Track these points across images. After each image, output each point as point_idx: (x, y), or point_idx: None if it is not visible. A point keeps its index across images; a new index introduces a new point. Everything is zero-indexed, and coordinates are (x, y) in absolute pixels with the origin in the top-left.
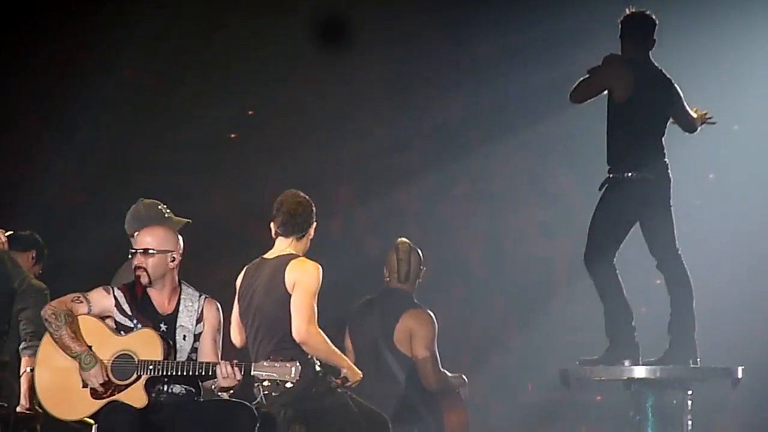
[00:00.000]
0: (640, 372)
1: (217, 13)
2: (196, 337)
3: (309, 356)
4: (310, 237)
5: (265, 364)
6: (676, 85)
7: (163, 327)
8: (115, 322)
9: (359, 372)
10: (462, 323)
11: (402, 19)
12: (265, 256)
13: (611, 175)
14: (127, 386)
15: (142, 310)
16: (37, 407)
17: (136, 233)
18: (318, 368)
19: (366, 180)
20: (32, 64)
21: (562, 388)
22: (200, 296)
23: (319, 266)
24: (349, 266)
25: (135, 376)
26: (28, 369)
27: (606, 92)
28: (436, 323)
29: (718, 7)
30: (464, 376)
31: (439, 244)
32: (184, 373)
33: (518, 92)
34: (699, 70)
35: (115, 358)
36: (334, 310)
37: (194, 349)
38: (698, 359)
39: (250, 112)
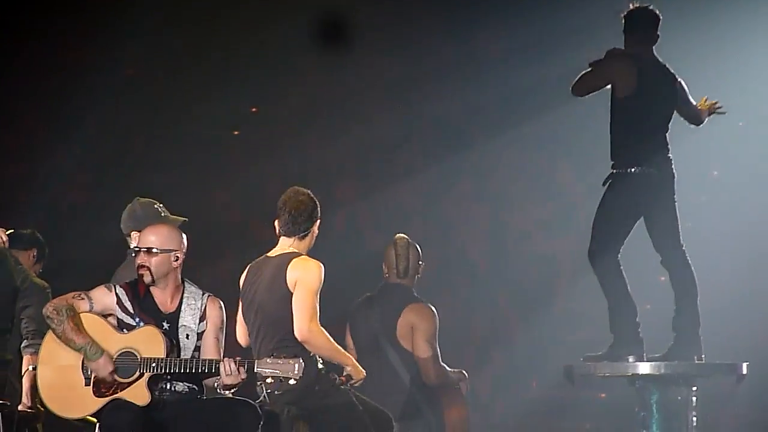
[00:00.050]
0: (644, 368)
1: (219, 11)
2: (199, 336)
3: (311, 354)
4: (315, 234)
5: (268, 361)
6: (680, 79)
7: (165, 325)
8: (118, 320)
9: (363, 370)
10: (465, 320)
11: (404, 16)
12: (268, 254)
13: (614, 171)
14: (129, 384)
15: (145, 308)
16: (39, 406)
17: (132, 232)
18: (321, 365)
19: (368, 176)
20: (33, 63)
21: (567, 384)
22: (203, 294)
23: (321, 265)
24: (352, 263)
25: (138, 373)
26: (30, 367)
27: (608, 87)
28: (437, 317)
29: (723, 3)
30: (464, 372)
31: (442, 241)
32: (187, 371)
33: (521, 88)
34: (703, 66)
35: (118, 355)
36: (336, 308)
37: (197, 348)
38: (703, 355)
39: (253, 109)
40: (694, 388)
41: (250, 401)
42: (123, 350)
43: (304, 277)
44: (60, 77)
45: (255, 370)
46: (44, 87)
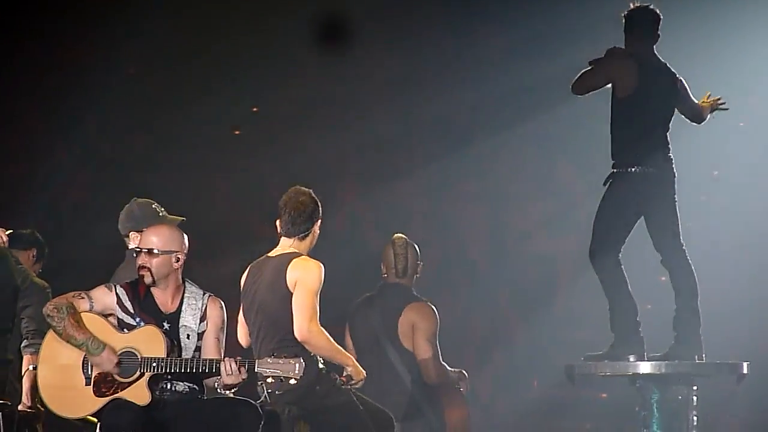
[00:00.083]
0: (645, 368)
1: (220, 10)
2: (200, 336)
3: (312, 354)
4: (316, 234)
5: (268, 360)
6: (681, 78)
7: (166, 326)
8: (118, 319)
9: (363, 371)
10: (466, 319)
11: (405, 15)
12: (269, 254)
13: (615, 170)
14: (130, 383)
15: (145, 308)
16: (39, 405)
17: (131, 232)
18: (322, 365)
19: (369, 176)
20: (34, 62)
21: (567, 384)
22: (204, 294)
23: (321, 265)
24: (352, 263)
25: (138, 373)
26: (31, 367)
27: (608, 85)
28: (438, 316)
29: (723, 3)
30: (464, 372)
31: (442, 240)
32: (188, 370)
33: (522, 87)
34: (704, 66)
35: (119, 355)
36: (336, 308)
37: (198, 348)
38: (703, 355)
39: (254, 109)
40: (695, 388)
41: (251, 401)
42: (123, 350)
43: (304, 278)
44: (60, 76)
45: (255, 370)
46: (44, 86)
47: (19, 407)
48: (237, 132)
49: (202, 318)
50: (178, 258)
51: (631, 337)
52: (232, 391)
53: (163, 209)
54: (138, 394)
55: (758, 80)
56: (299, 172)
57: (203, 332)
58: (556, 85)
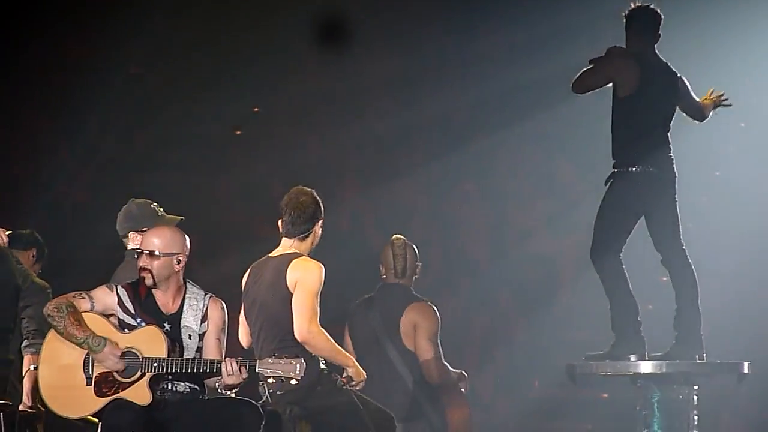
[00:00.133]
0: (646, 367)
1: (222, 10)
2: (201, 337)
3: (313, 354)
4: (317, 235)
5: (269, 361)
6: (682, 77)
7: (167, 326)
8: (119, 320)
9: (363, 372)
10: (467, 319)
11: (405, 13)
12: (270, 254)
13: (616, 170)
14: (131, 384)
15: (146, 309)
16: (39, 405)
17: (131, 232)
18: (323, 366)
19: (369, 175)
20: (37, 62)
21: (569, 383)
22: (205, 295)
23: (322, 265)
24: (352, 262)
25: (139, 373)
26: (31, 367)
27: (609, 85)
28: (439, 316)
29: (724, 3)
30: (464, 372)
31: (443, 240)
32: (189, 371)
33: (524, 86)
34: (705, 66)
35: (121, 352)
36: (337, 309)
37: (199, 349)
38: (704, 354)
39: (255, 109)
40: (696, 387)
41: (252, 401)
42: (124, 350)
43: (304, 278)
44: (63, 76)
45: (257, 371)
46: (46, 86)
47: (20, 407)
48: (238, 132)
49: (203, 319)
50: (180, 260)
51: (632, 336)
52: (233, 391)
53: (161, 209)
54: (139, 394)
55: (759, 80)
56: (299, 171)
57: (204, 333)
58: (557, 84)
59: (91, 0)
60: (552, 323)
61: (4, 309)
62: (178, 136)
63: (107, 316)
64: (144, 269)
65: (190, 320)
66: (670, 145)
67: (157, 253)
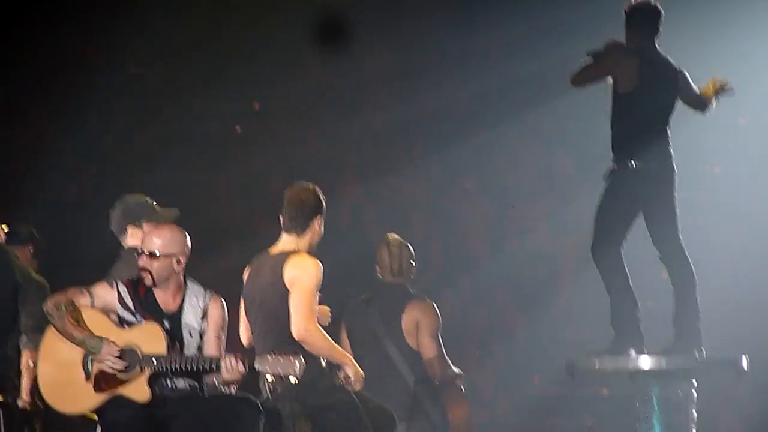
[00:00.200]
0: (645, 363)
1: (222, 8)
2: (201, 334)
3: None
4: (317, 231)
5: (269, 358)
6: (683, 70)
7: (167, 324)
8: (118, 316)
9: (361, 371)
10: (466, 316)
11: (404, 9)
12: (270, 250)
13: (615, 165)
14: (130, 380)
15: (146, 307)
16: (38, 401)
17: (128, 226)
18: (324, 363)
19: (369, 170)
20: (39, 60)
21: (568, 380)
22: (205, 293)
23: (319, 263)
24: (352, 257)
25: (138, 369)
26: (30, 363)
27: (608, 80)
28: (439, 314)
29: (724, 1)
30: (458, 369)
31: (443, 237)
32: (188, 367)
33: (522, 81)
34: (704, 63)
35: (118, 351)
36: (337, 304)
37: (199, 347)
38: (703, 350)
39: (256, 106)
40: (695, 383)
41: (252, 398)
42: (123, 347)
43: (301, 276)
44: (64, 75)
45: (256, 368)
46: (50, 83)
47: (19, 403)
48: (238, 129)
49: (203, 316)
50: (179, 260)
51: (631, 332)
52: (232, 387)
53: (155, 203)
54: (138, 390)
55: (758, 77)
56: (299, 167)
57: (204, 330)
58: (556, 79)
59: (91, 0)
60: (551, 319)
61: (2, 305)
62: (178, 133)
63: (107, 312)
64: (144, 269)
65: (190, 318)
66: (670, 141)
67: (157, 254)
